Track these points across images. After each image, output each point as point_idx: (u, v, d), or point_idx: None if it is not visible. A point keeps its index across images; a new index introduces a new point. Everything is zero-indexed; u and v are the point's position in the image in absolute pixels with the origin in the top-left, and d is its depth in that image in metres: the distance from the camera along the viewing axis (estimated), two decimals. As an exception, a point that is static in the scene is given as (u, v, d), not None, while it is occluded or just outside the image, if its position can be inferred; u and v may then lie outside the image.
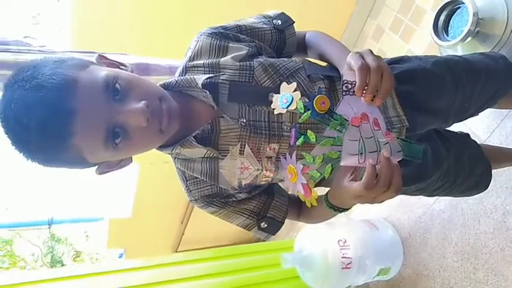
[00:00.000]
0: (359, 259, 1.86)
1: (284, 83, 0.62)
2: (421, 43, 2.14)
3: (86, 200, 3.22)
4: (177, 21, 2.01)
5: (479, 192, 1.09)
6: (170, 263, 2.07)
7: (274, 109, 0.60)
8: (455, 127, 1.01)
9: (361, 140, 0.58)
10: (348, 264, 1.83)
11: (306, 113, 0.55)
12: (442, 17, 1.41)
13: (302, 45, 0.90)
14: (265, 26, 0.83)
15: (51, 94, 0.58)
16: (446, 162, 0.94)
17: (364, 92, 0.61)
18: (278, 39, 0.84)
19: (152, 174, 2.52)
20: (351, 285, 1.98)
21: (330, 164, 0.58)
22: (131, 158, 0.76)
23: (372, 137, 0.59)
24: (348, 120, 0.58)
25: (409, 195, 1.00)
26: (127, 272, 1.95)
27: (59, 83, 0.59)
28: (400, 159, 0.61)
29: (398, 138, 0.62)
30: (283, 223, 0.85)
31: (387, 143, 0.60)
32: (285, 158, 0.62)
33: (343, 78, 0.62)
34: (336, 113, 0.57)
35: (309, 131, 0.56)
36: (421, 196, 1.03)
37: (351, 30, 2.50)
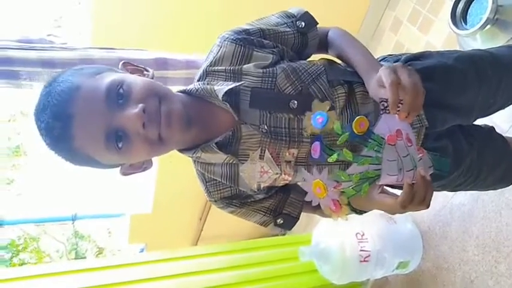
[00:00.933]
0: (377, 252, 1.85)
1: (316, 100, 0.60)
2: (439, 34, 2.10)
3: (108, 196, 3.30)
4: (195, 17, 2.04)
5: (505, 187, 1.06)
6: (189, 256, 2.10)
7: (305, 128, 0.60)
8: (480, 120, 0.99)
9: (399, 160, 0.57)
10: (366, 257, 1.83)
11: (343, 135, 0.55)
12: (461, 5, 1.39)
13: (324, 44, 0.87)
14: (288, 29, 0.81)
15: (54, 100, 0.64)
16: (469, 158, 0.91)
17: (398, 109, 0.58)
18: (300, 43, 0.83)
19: (171, 170, 2.56)
20: (369, 279, 1.97)
21: (367, 183, 0.58)
22: (151, 160, 0.77)
23: (408, 154, 0.58)
24: (384, 139, 0.57)
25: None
26: (148, 264, 1.99)
27: (62, 89, 0.64)
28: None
29: (428, 152, 0.62)
30: (298, 219, 0.86)
31: (421, 159, 0.59)
32: (309, 172, 0.60)
33: (379, 97, 0.60)
34: (374, 133, 0.57)
35: (345, 149, 0.55)
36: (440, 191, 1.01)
37: (368, 22, 2.48)
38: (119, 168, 0.76)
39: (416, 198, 0.57)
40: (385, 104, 0.60)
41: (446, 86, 0.83)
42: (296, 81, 0.75)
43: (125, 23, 1.99)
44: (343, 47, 0.84)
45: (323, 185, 0.58)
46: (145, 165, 0.77)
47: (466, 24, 1.39)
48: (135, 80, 0.70)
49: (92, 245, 6.20)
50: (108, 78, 0.67)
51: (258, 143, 0.74)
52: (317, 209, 0.85)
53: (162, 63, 1.37)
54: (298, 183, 0.86)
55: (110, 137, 0.65)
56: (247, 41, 0.77)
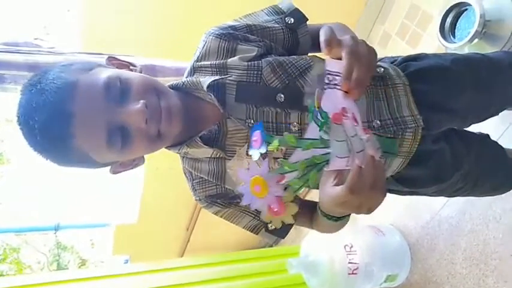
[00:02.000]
0: (366, 265, 1.83)
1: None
2: (428, 48, 2.14)
3: (92, 206, 3.23)
4: (184, 24, 2.03)
5: (504, 192, 1.05)
6: (175, 268, 2.06)
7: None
8: (473, 128, 0.99)
9: (348, 140, 0.51)
10: (355, 270, 1.81)
11: (310, 113, 0.50)
12: (449, 19, 1.41)
13: (316, 41, 0.87)
14: (276, 25, 0.79)
15: (51, 97, 0.60)
16: (467, 163, 0.90)
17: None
18: (290, 39, 0.81)
19: (158, 180, 2.52)
20: (357, 293, 1.95)
21: (314, 170, 0.50)
22: (143, 157, 0.76)
23: (355, 134, 0.52)
24: (329, 118, 0.50)
25: (418, 200, 0.97)
26: (133, 275, 1.94)
27: (58, 87, 0.61)
28: (379, 156, 0.55)
29: (374, 133, 0.57)
30: (292, 225, 0.81)
31: (368, 140, 0.54)
32: (245, 169, 0.52)
33: (326, 68, 0.56)
34: (323, 110, 0.50)
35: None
36: (428, 202, 1.00)
37: (357, 35, 2.50)
38: (108, 168, 0.74)
39: (367, 181, 0.51)
40: (330, 78, 0.54)
41: (442, 88, 0.83)
42: (282, 75, 0.73)
43: (115, 31, 1.97)
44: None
45: (263, 181, 0.50)
46: (136, 162, 0.75)
47: (454, 37, 1.41)
48: (131, 75, 0.68)
49: (75, 256, 6.06)
50: (104, 74, 0.65)
51: (244, 138, 0.72)
52: (313, 221, 0.80)
53: (151, 70, 1.35)
54: (237, 188, 0.81)
55: (112, 134, 0.63)
56: (232, 36, 0.76)
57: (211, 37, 0.77)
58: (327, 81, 0.54)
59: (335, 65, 0.55)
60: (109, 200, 2.92)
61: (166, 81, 0.92)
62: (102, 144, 0.64)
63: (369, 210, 0.56)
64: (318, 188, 0.63)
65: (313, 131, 0.50)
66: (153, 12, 2.02)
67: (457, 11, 1.40)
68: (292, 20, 0.80)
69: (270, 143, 0.49)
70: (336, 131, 0.50)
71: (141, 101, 0.63)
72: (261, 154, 0.50)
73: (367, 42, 0.60)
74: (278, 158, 0.57)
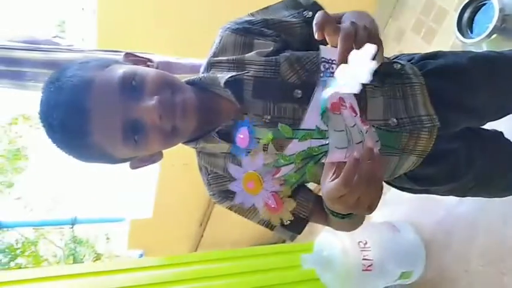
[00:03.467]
0: (380, 261, 1.83)
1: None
2: (443, 44, 2.11)
3: (108, 201, 3.29)
4: (201, 22, 2.04)
5: None
6: (189, 262, 2.08)
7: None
8: (488, 125, 0.98)
9: (347, 130, 0.49)
10: (369, 266, 1.81)
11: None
12: (466, 14, 1.39)
13: None
14: (294, 19, 0.78)
15: (68, 95, 0.62)
16: (480, 162, 0.89)
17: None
18: (308, 33, 0.78)
19: (172, 176, 2.55)
20: (371, 289, 1.95)
21: (311, 162, 0.49)
22: (161, 152, 0.77)
23: (354, 124, 0.50)
24: (327, 107, 0.49)
25: (434, 197, 0.96)
26: (147, 270, 1.97)
27: (75, 84, 0.62)
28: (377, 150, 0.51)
29: (373, 126, 0.53)
30: (307, 220, 0.80)
31: (367, 131, 0.51)
32: (237, 165, 0.50)
33: (321, 56, 0.54)
34: (323, 99, 0.48)
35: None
36: (443, 198, 0.99)
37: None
38: (128, 164, 0.75)
39: (363, 174, 0.48)
40: (327, 66, 0.52)
41: (459, 86, 0.82)
42: (300, 70, 0.73)
43: (130, 28, 1.99)
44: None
45: (257, 176, 0.49)
46: (154, 158, 0.76)
47: (472, 33, 1.39)
48: (146, 71, 0.69)
49: (90, 250, 6.16)
50: (119, 70, 0.66)
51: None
52: (328, 218, 0.76)
53: (166, 67, 1.37)
54: (229, 186, 0.76)
55: (127, 130, 0.65)
56: (247, 31, 0.76)
57: (227, 32, 0.77)
58: (323, 69, 0.52)
59: (331, 53, 0.53)
60: (125, 195, 2.96)
61: (183, 77, 0.93)
62: (117, 140, 0.65)
63: (369, 209, 0.53)
64: (316, 182, 0.62)
65: (309, 121, 0.48)
66: (169, 9, 2.03)
67: (475, 6, 1.38)
68: (311, 13, 0.78)
69: (261, 138, 0.48)
70: (334, 121, 0.48)
71: (155, 97, 0.64)
72: (254, 149, 0.50)
73: (377, 33, 0.57)
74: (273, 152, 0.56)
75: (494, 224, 1.65)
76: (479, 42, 1.33)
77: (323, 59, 0.53)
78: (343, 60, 0.48)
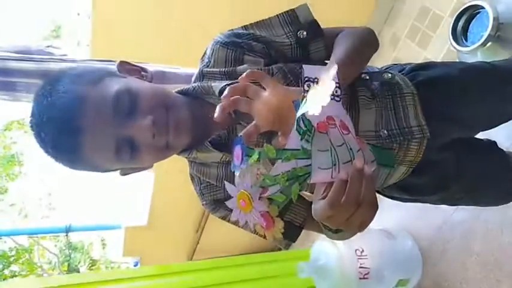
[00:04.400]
0: (377, 269, 1.82)
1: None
2: (438, 50, 2.12)
3: (103, 208, 3.26)
4: (195, 31, 2.04)
5: (506, 203, 1.03)
6: (185, 271, 2.06)
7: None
8: (481, 135, 0.98)
9: (332, 149, 0.47)
10: (366, 274, 1.80)
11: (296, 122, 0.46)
12: (461, 23, 1.39)
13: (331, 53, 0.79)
14: (286, 40, 0.76)
15: (61, 112, 0.62)
16: (470, 171, 0.89)
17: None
18: (298, 55, 0.77)
19: (167, 183, 2.53)
20: (368, 297, 1.93)
21: (296, 183, 0.46)
22: None
23: (343, 143, 0.47)
24: (313, 126, 0.46)
25: (430, 204, 0.96)
26: (142, 279, 1.95)
27: (68, 101, 0.62)
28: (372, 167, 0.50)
29: (368, 144, 0.51)
30: (302, 228, 0.80)
31: (359, 149, 0.49)
32: (233, 183, 0.49)
33: (304, 75, 0.52)
34: (306, 118, 0.46)
35: (266, 145, 0.47)
36: (440, 205, 0.99)
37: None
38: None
39: (349, 197, 0.46)
40: (310, 84, 0.50)
41: (450, 97, 0.82)
42: (293, 81, 0.72)
43: (124, 34, 1.99)
44: (333, 48, 0.75)
45: (247, 195, 0.47)
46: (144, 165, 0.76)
47: (466, 41, 1.39)
48: (140, 87, 0.68)
49: (85, 256, 6.11)
50: (113, 86, 0.66)
51: (254, 143, 0.71)
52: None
53: (160, 77, 1.35)
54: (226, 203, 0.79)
55: (120, 147, 0.65)
56: (237, 45, 0.75)
57: (217, 45, 0.76)
58: (306, 88, 0.50)
59: (313, 71, 0.52)
60: (120, 202, 2.94)
61: (176, 88, 0.92)
62: (111, 156, 0.66)
63: (361, 227, 0.51)
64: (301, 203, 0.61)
65: (294, 141, 0.46)
66: (164, 17, 2.03)
67: (470, 14, 1.38)
68: (305, 33, 0.76)
69: (251, 156, 0.47)
70: (319, 140, 0.46)
71: (149, 117, 0.64)
72: (243, 169, 0.49)
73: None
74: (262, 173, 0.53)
75: (491, 231, 1.65)
76: (474, 51, 1.33)
77: (306, 78, 0.52)
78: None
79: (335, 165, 0.46)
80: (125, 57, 1.42)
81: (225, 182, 0.56)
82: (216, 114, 0.56)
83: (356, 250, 1.83)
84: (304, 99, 0.48)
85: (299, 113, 0.47)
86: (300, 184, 0.46)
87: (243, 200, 0.48)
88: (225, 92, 0.56)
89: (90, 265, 6.03)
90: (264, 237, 0.80)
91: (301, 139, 0.46)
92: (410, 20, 2.29)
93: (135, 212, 2.92)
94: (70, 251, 5.83)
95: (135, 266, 3.28)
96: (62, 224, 3.24)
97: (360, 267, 1.79)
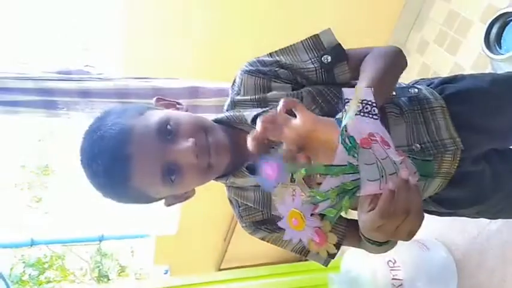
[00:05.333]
0: (410, 281, 1.79)
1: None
2: (469, 55, 2.07)
3: (133, 217, 3.33)
4: (226, 45, 2.08)
5: None
6: (214, 281, 2.08)
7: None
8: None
9: (378, 162, 0.49)
10: (399, 286, 1.77)
11: (341, 137, 0.49)
12: (494, 30, 1.36)
13: (358, 74, 0.79)
14: (310, 66, 0.77)
15: (111, 143, 0.66)
16: (507, 183, 0.88)
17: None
18: (324, 79, 0.78)
19: (196, 194, 2.57)
20: (401, 309, 1.90)
21: (346, 197, 0.49)
22: (194, 189, 0.79)
23: (386, 157, 0.50)
24: (357, 143, 0.49)
25: (469, 218, 0.95)
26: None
27: (117, 133, 0.67)
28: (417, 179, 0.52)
29: (409, 156, 0.53)
30: (341, 244, 0.81)
31: (402, 162, 0.51)
32: (281, 204, 0.51)
33: (344, 97, 0.55)
34: (350, 135, 0.49)
35: (313, 162, 0.50)
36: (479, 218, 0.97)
37: (393, 44, 2.47)
38: (163, 201, 0.78)
39: (399, 205, 0.49)
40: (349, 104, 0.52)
41: (481, 110, 0.82)
42: (322, 103, 0.74)
43: (156, 52, 2.04)
44: (364, 69, 0.76)
45: (299, 213, 0.49)
46: (187, 194, 0.79)
47: (500, 48, 1.36)
48: (179, 115, 0.74)
49: (115, 263, 6.24)
50: (155, 116, 0.71)
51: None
52: (361, 240, 0.77)
53: (194, 92, 1.39)
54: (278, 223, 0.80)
55: (165, 171, 0.68)
56: (263, 72, 0.78)
57: (246, 75, 0.79)
58: (347, 108, 0.53)
59: (352, 93, 0.54)
60: (150, 211, 3.00)
61: (209, 102, 0.94)
62: (157, 181, 0.69)
63: (409, 236, 0.53)
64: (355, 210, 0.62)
65: (341, 157, 0.49)
66: (194, 31, 2.07)
67: (503, 21, 1.35)
68: (330, 58, 0.76)
69: (292, 172, 0.49)
70: (364, 155, 0.49)
71: (191, 139, 0.68)
72: (280, 188, 0.51)
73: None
74: (321, 182, 0.55)
75: (530, 242, 1.59)
76: (509, 59, 1.30)
77: (346, 100, 0.54)
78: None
79: (382, 177, 0.49)
80: (157, 73, 1.48)
81: (277, 203, 0.59)
82: (248, 144, 0.58)
83: (388, 261, 1.80)
84: (344, 117, 0.51)
85: (342, 130, 0.49)
86: (349, 198, 0.49)
87: (295, 218, 0.50)
88: (257, 123, 0.57)
89: (119, 272, 6.15)
90: (303, 252, 0.82)
91: (348, 154, 0.48)
92: (438, 25, 2.25)
93: (165, 221, 2.98)
94: (100, 258, 5.97)
95: (165, 273, 3.33)
96: (94, 234, 3.34)
97: (393, 279, 1.77)
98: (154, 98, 0.80)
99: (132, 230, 3.51)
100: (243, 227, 0.84)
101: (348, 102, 0.54)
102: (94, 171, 0.68)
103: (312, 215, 0.50)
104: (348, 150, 0.49)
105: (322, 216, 0.51)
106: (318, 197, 0.48)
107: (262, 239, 0.83)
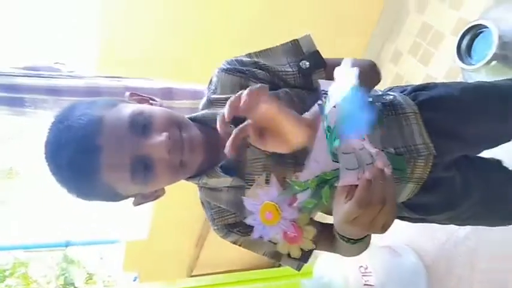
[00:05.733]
0: (381, 286, 1.80)
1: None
2: (440, 67, 2.14)
3: (102, 222, 3.23)
4: (201, 46, 2.06)
5: None
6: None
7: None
8: (486, 153, 0.99)
9: (356, 152, 0.50)
10: (371, 292, 1.78)
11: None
12: (465, 41, 1.41)
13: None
14: (289, 69, 0.77)
15: (79, 133, 0.63)
16: (477, 190, 0.90)
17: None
18: (301, 84, 0.78)
19: (168, 197, 2.52)
20: (373, 315, 1.91)
21: (326, 187, 0.49)
22: (164, 189, 0.77)
23: (363, 147, 0.51)
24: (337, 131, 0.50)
25: (439, 224, 0.96)
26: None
27: (86, 123, 0.63)
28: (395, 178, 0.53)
29: (382, 150, 0.55)
30: (314, 248, 0.78)
31: (377, 153, 0.52)
32: (251, 199, 0.51)
33: (320, 89, 0.55)
34: (330, 127, 0.49)
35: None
36: (449, 224, 0.99)
37: (368, 54, 2.52)
38: (131, 200, 0.75)
39: (376, 194, 0.49)
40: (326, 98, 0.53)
41: (452, 117, 0.84)
42: (300, 104, 0.74)
43: (131, 51, 2.00)
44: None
45: (274, 206, 0.50)
46: (157, 193, 0.77)
47: (471, 59, 1.40)
48: (153, 109, 0.71)
49: (82, 270, 6.03)
50: (128, 109, 0.68)
51: (262, 166, 0.72)
52: (334, 244, 0.77)
53: (168, 93, 1.36)
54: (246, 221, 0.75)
55: (136, 166, 0.65)
56: (241, 71, 0.77)
57: (223, 73, 0.78)
58: (324, 100, 0.54)
59: (328, 85, 0.55)
60: (120, 216, 2.92)
61: (183, 104, 0.91)
62: (126, 176, 0.66)
63: (383, 229, 0.54)
64: (328, 213, 0.62)
65: (319, 148, 0.49)
66: (170, 33, 2.04)
67: (474, 33, 1.40)
68: (308, 64, 0.77)
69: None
70: (342, 145, 0.49)
71: (164, 134, 0.66)
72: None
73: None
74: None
75: (495, 247, 1.64)
76: (479, 69, 1.34)
77: (322, 91, 0.55)
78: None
79: (360, 166, 0.49)
80: (132, 73, 1.44)
81: (244, 197, 0.57)
82: (218, 124, 0.56)
83: (360, 267, 1.82)
84: (327, 105, 0.51)
85: (328, 108, 0.49)
86: (329, 187, 0.49)
87: (270, 211, 0.50)
88: (226, 106, 0.56)
89: (87, 279, 5.95)
90: (275, 257, 0.80)
91: (329, 141, 0.48)
92: (412, 37, 2.32)
93: (135, 226, 2.90)
94: (66, 265, 5.75)
95: (134, 280, 3.23)
96: (60, 239, 3.20)
97: (365, 285, 1.78)
98: (128, 93, 0.76)
99: (101, 236, 3.40)
100: (214, 229, 0.81)
101: (324, 93, 0.55)
102: (58, 163, 0.64)
103: (289, 206, 0.49)
104: (328, 139, 0.49)
105: (299, 210, 0.51)
106: (296, 187, 0.48)
107: (234, 242, 0.81)
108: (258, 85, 0.57)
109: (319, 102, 0.56)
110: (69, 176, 0.65)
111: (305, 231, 0.53)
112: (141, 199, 0.75)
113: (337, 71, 0.54)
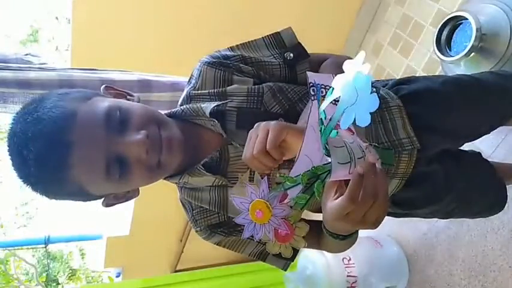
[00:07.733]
0: (364, 277, 1.82)
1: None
2: (420, 58, 2.15)
3: (84, 218, 3.18)
4: (179, 38, 2.01)
5: (496, 213, 1.05)
6: (169, 284, 2.02)
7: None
8: (466, 146, 0.99)
9: (347, 145, 0.49)
10: (353, 283, 1.80)
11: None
12: (445, 33, 1.41)
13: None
14: (274, 60, 0.77)
15: (49, 127, 0.58)
16: (459, 183, 0.91)
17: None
18: (287, 75, 0.78)
19: (150, 192, 2.49)
20: (356, 305, 1.93)
21: (318, 181, 0.47)
22: (138, 189, 0.74)
23: (354, 141, 0.50)
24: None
25: (422, 218, 0.97)
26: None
27: (57, 116, 0.59)
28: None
29: (370, 144, 0.54)
30: (305, 246, 0.79)
31: (366, 147, 0.51)
32: (241, 197, 0.49)
33: (308, 81, 0.54)
34: (326, 118, 0.48)
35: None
36: (433, 218, 1.00)
37: (349, 45, 2.52)
38: (101, 200, 0.71)
39: (368, 189, 0.48)
40: (316, 90, 0.52)
41: (433, 109, 0.84)
42: (283, 100, 0.73)
43: (106, 39, 1.94)
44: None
45: (264, 203, 0.48)
46: (130, 194, 0.73)
47: (450, 51, 1.41)
48: (131, 105, 0.67)
49: (65, 266, 5.95)
50: (104, 103, 0.64)
51: (246, 164, 0.70)
52: (320, 242, 0.76)
53: (146, 85, 1.32)
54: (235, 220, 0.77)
55: (111, 164, 0.62)
56: (226, 65, 0.75)
57: (205, 66, 0.76)
58: (312, 92, 0.52)
59: (318, 78, 0.54)
60: (101, 211, 2.87)
61: (162, 96, 0.88)
62: (100, 175, 0.62)
63: (375, 224, 0.52)
64: (316, 211, 0.61)
65: (309, 141, 0.48)
66: (147, 22, 1.99)
67: (453, 25, 1.40)
68: (292, 55, 0.78)
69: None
70: (333, 138, 0.48)
71: (142, 132, 0.62)
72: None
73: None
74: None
75: (474, 238, 1.67)
76: (458, 61, 1.35)
77: (311, 84, 0.53)
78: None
79: (352, 160, 0.48)
80: (108, 66, 1.39)
81: (233, 196, 0.56)
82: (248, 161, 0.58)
83: (343, 259, 1.83)
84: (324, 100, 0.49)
85: (326, 103, 0.48)
86: (321, 182, 0.47)
87: (260, 209, 0.48)
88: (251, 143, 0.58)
89: (69, 275, 5.87)
90: (261, 256, 0.79)
91: (324, 135, 0.47)
92: (392, 28, 2.32)
93: (117, 222, 2.85)
94: (49, 261, 5.65)
95: (117, 276, 3.19)
96: (40, 235, 3.13)
97: (348, 276, 1.80)
98: (103, 86, 0.72)
99: (82, 231, 3.34)
100: (197, 231, 0.79)
101: (312, 85, 0.53)
102: (24, 158, 0.59)
103: (280, 203, 0.48)
104: (322, 135, 0.47)
105: (291, 207, 0.49)
106: (288, 183, 0.47)
107: (218, 243, 0.79)
108: (276, 122, 0.57)
109: (312, 97, 0.54)
110: (36, 172, 0.60)
111: (297, 228, 0.51)
112: (113, 200, 0.72)
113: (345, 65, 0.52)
